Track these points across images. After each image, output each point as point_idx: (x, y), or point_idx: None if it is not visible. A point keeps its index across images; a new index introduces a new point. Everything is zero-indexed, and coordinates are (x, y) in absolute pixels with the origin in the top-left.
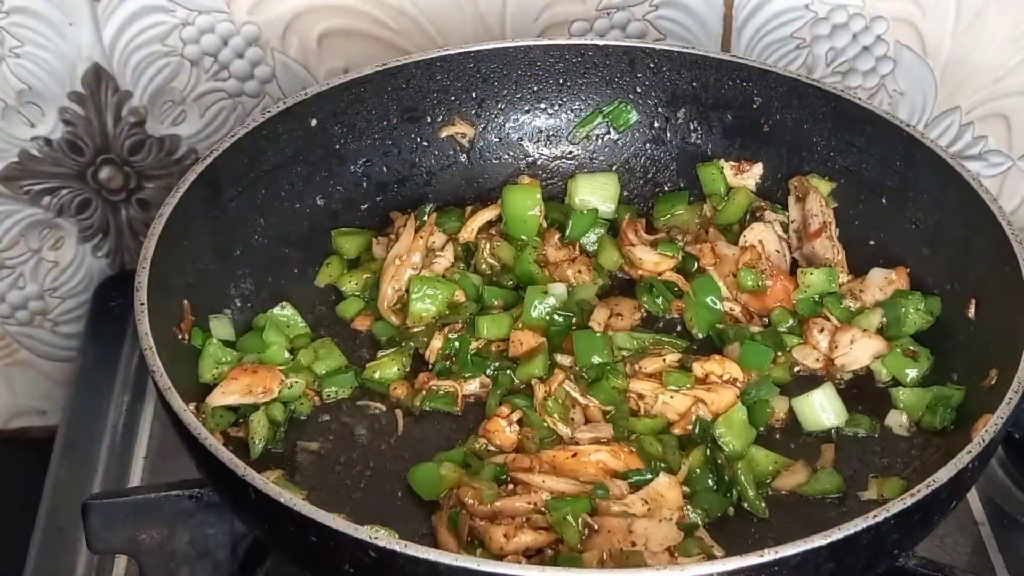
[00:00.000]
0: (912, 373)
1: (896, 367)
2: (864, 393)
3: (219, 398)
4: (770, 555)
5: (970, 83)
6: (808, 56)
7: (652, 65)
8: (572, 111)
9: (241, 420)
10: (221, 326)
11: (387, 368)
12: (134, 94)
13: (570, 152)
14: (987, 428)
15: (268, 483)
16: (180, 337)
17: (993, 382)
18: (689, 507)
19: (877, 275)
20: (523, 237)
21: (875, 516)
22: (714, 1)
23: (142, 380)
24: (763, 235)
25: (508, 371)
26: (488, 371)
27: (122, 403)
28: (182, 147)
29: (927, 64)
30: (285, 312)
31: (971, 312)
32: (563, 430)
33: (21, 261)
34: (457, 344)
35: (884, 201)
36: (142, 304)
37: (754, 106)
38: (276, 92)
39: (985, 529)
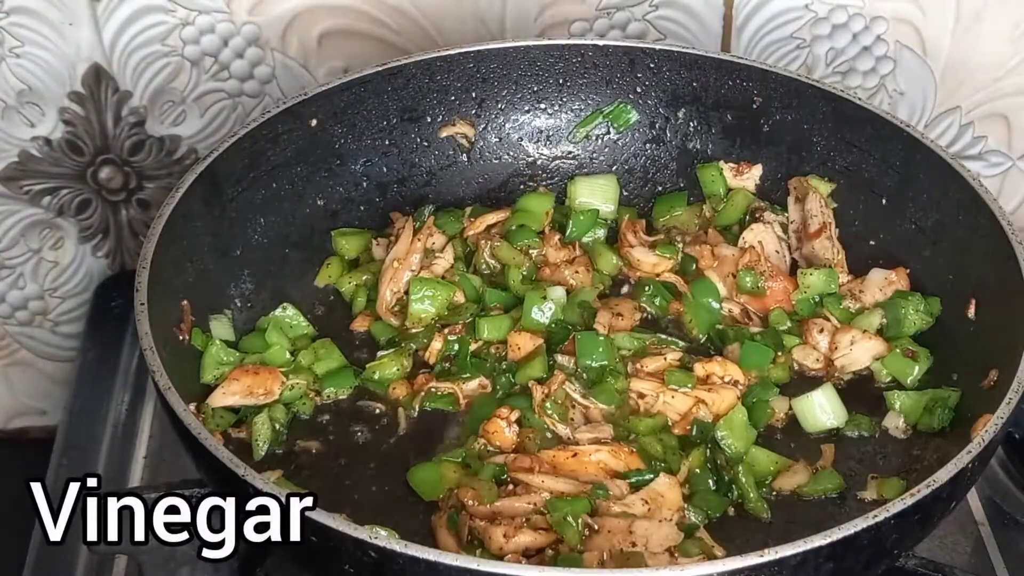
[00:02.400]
0: (912, 373)
1: (896, 368)
2: (864, 394)
3: (220, 399)
4: (770, 555)
5: (970, 83)
6: (808, 56)
7: (652, 65)
8: (572, 111)
9: (242, 421)
10: (221, 326)
11: (387, 368)
12: (134, 94)
13: (570, 152)
14: (987, 428)
15: (268, 483)
16: (180, 338)
17: (993, 382)
18: (689, 508)
19: (877, 276)
20: (525, 226)
21: (875, 516)
22: (714, 1)
23: (142, 380)
24: (763, 236)
25: (508, 373)
26: (488, 372)
27: (122, 403)
28: (182, 147)
29: (927, 64)
30: (287, 313)
31: (971, 312)
32: (562, 431)
33: (21, 261)
34: (456, 346)
35: (884, 201)
36: (142, 304)
37: (754, 106)
38: (276, 92)
39: (985, 529)
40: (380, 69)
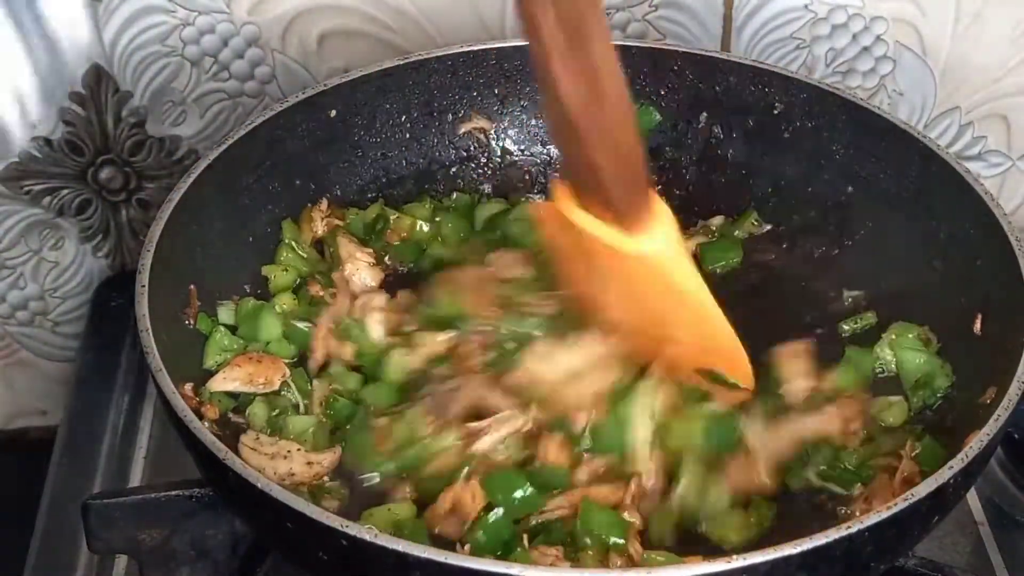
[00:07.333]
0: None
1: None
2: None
3: (220, 383)
4: (772, 554)
5: (970, 83)
6: (808, 56)
7: (675, 68)
8: None
9: (241, 407)
10: (227, 313)
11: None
12: (134, 94)
13: None
14: (971, 444)
15: (247, 467)
16: (187, 322)
17: (990, 399)
18: None
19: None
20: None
21: (877, 515)
22: (714, 1)
23: (142, 380)
24: None
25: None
26: None
27: (122, 403)
28: (182, 147)
29: (927, 64)
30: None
31: (977, 327)
32: None
33: (21, 261)
34: None
35: (899, 212)
36: (143, 287)
37: (775, 112)
38: (276, 92)
39: (985, 529)
40: (402, 63)
